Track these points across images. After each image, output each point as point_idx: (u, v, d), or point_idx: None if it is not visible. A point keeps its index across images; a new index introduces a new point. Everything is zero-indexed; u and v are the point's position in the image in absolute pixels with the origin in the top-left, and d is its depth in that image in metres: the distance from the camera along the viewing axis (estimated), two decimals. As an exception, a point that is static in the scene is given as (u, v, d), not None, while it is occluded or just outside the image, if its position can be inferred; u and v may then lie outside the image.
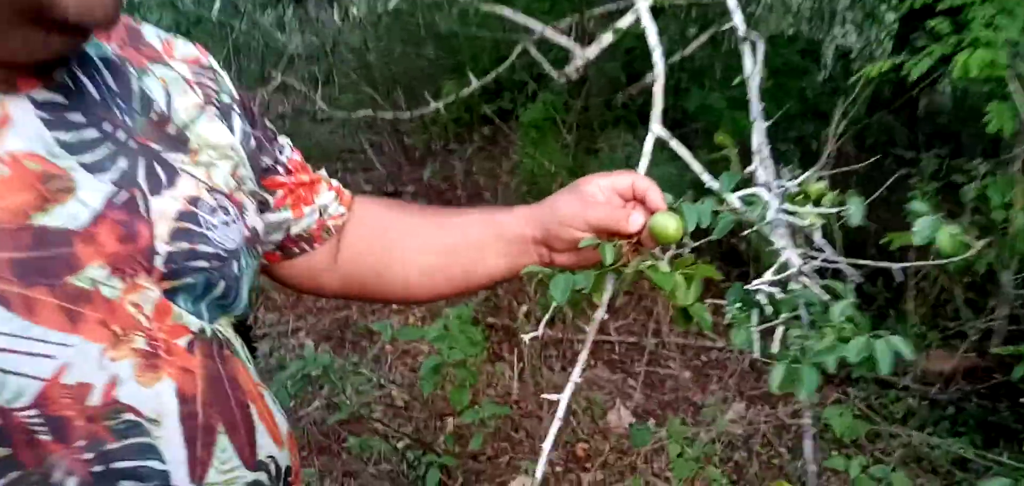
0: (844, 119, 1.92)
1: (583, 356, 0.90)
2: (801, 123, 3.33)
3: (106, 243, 0.57)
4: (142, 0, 5.44)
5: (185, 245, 0.62)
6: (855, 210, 0.83)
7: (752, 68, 1.39)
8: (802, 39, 4.72)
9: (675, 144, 0.99)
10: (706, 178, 0.95)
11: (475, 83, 2.13)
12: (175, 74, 0.68)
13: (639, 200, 0.79)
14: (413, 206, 0.93)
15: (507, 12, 2.24)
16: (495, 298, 3.09)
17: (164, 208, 0.61)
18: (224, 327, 0.67)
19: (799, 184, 0.85)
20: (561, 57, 2.50)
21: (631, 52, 4.02)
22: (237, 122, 0.72)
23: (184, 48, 0.72)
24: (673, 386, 2.76)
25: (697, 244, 0.83)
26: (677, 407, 2.66)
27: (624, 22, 1.70)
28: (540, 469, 0.91)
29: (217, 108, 0.70)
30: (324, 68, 5.63)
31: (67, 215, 0.56)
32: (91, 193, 0.57)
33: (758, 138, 1.16)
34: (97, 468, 0.57)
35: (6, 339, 0.52)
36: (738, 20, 1.36)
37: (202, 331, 0.64)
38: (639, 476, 2.34)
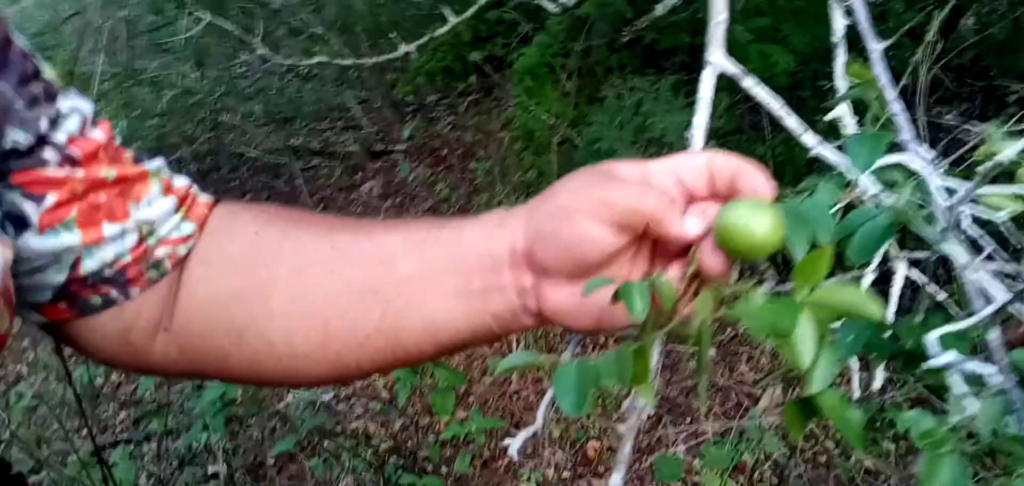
0: (901, 45, 1.52)
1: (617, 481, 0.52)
2: (821, 61, 2.86)
3: None
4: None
5: None
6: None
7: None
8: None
9: (751, 83, 0.60)
10: (812, 142, 0.56)
11: (452, 20, 1.73)
12: None
13: (719, 194, 0.43)
14: (313, 218, 0.53)
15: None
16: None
17: None
18: None
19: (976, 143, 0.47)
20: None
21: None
22: None
23: None
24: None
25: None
26: (702, 393, 2.29)
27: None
28: None
29: None
30: (302, 22, 5.19)
31: None
32: None
33: (876, 69, 0.77)
34: None
35: None
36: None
37: None
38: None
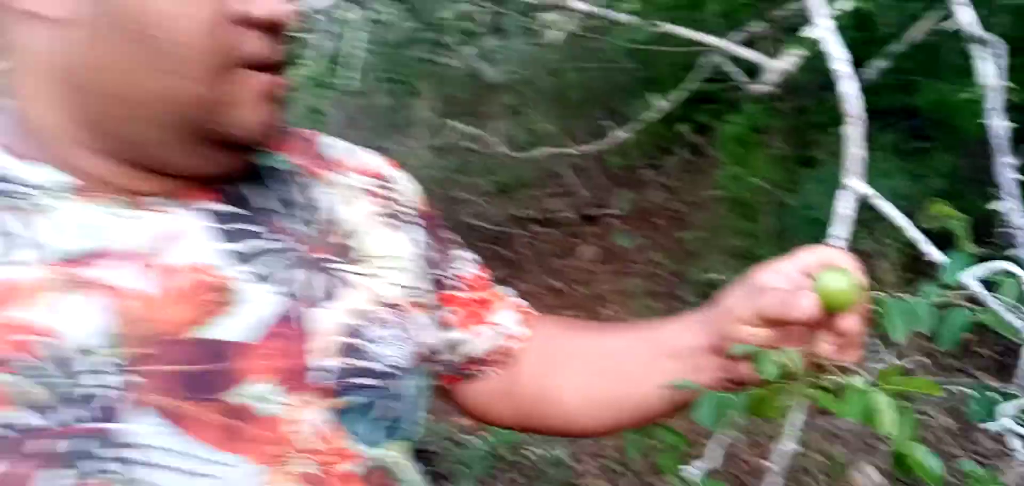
0: None
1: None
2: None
3: (273, 358, 0.55)
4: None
5: (353, 361, 0.59)
6: None
7: (992, 75, 1.05)
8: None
9: (884, 205, 0.75)
10: (928, 249, 0.71)
11: (662, 105, 1.92)
12: (347, 183, 0.67)
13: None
14: (579, 323, 0.84)
15: (681, 31, 1.98)
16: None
17: (331, 321, 0.59)
18: (392, 453, 0.63)
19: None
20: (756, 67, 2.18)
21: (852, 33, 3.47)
22: (414, 233, 0.70)
23: (364, 158, 0.71)
24: (931, 437, 2.30)
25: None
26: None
27: (811, 31, 1.38)
28: None
29: (393, 218, 0.69)
30: (518, 97, 5.62)
31: (237, 327, 0.54)
32: (260, 305, 0.56)
33: (1005, 173, 0.85)
34: None
35: (166, 455, 0.51)
36: (966, 17, 1.02)
37: (367, 456, 0.60)
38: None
